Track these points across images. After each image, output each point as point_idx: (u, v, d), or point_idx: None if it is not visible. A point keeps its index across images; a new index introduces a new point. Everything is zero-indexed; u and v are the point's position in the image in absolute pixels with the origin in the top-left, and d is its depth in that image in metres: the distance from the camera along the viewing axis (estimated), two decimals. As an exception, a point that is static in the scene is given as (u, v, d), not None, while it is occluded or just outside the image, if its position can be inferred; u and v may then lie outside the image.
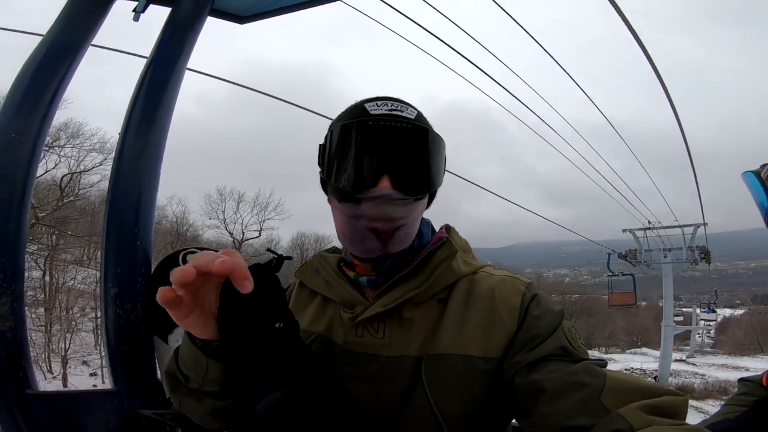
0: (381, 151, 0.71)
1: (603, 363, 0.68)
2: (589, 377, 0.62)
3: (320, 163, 0.77)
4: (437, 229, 0.87)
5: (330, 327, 0.81)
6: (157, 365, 1.41)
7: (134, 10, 1.88)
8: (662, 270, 17.05)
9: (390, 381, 0.73)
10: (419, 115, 0.77)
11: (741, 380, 1.07)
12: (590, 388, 0.61)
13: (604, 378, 0.62)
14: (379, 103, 0.76)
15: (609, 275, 17.01)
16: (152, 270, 1.34)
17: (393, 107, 0.75)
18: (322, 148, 0.77)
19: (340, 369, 0.76)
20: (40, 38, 1.52)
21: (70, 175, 17.88)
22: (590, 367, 0.65)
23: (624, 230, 18.44)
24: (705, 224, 16.16)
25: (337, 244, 0.86)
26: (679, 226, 16.74)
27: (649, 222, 17.04)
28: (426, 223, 0.85)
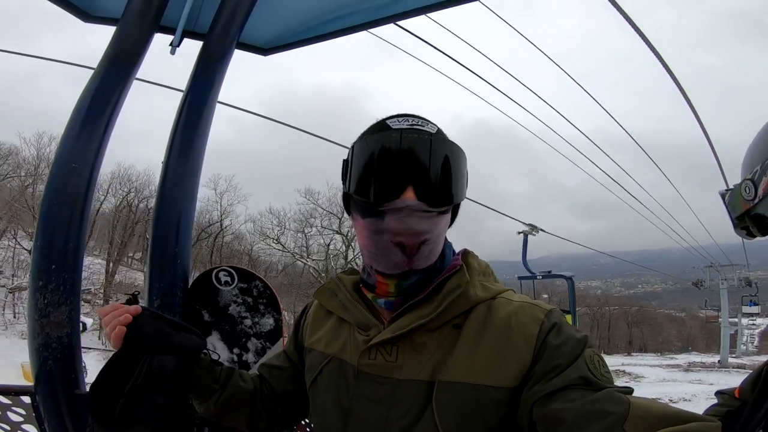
0: (404, 162, 0.71)
1: (628, 390, 0.65)
2: (611, 405, 0.60)
3: (343, 179, 0.77)
4: (457, 251, 0.86)
5: (344, 348, 0.83)
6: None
7: (171, 44, 2.06)
8: (720, 293, 28.82)
9: (400, 403, 0.73)
10: (440, 131, 0.78)
11: (717, 393, 1.17)
12: (613, 417, 0.59)
13: (628, 405, 0.60)
14: (400, 119, 0.77)
15: (706, 309, 31.41)
16: (189, 286, 1.49)
17: (414, 122, 0.76)
18: (345, 163, 0.78)
19: (354, 390, 0.78)
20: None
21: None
22: (613, 395, 0.62)
23: (693, 267, 31.06)
24: (748, 263, 27.03)
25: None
26: (731, 265, 27.99)
27: (711, 263, 28.11)
28: (448, 245, 0.85)
